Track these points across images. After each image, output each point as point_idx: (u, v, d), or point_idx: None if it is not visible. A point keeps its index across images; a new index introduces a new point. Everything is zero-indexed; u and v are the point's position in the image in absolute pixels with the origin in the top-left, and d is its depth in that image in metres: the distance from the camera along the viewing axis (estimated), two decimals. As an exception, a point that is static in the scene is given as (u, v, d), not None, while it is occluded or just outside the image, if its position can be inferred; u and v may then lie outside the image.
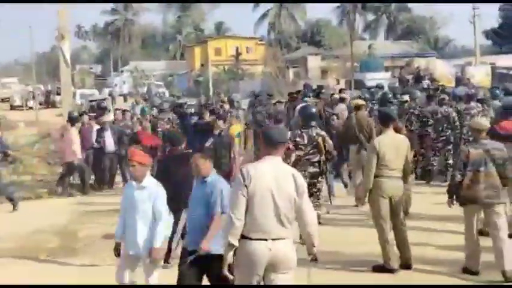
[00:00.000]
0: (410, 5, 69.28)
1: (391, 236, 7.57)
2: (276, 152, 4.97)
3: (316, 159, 8.90)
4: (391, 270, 7.42)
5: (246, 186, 4.80)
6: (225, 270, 4.87)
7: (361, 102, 12.22)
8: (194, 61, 65.68)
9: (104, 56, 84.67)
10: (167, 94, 46.11)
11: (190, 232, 6.06)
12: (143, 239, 6.15)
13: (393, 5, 68.58)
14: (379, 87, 18.04)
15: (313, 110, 9.55)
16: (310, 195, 7.59)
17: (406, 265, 7.53)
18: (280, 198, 4.81)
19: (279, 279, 4.85)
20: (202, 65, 61.62)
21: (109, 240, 7.81)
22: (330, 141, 9.10)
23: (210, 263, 5.68)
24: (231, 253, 4.83)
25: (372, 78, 24.70)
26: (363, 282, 7.23)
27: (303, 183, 4.94)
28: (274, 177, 4.85)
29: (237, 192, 4.84)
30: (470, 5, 36.15)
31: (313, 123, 9.11)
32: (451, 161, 12.57)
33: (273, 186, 4.81)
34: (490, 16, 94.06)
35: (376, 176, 7.47)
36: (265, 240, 4.79)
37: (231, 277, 4.91)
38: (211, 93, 42.99)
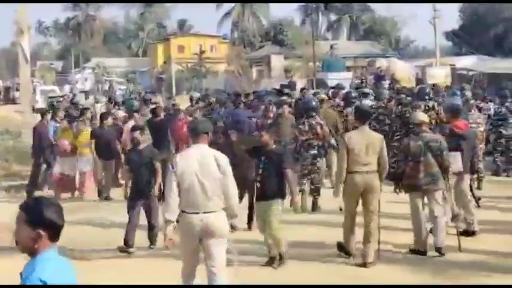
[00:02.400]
0: (372, 5, 69.96)
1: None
2: (200, 140, 6.00)
3: (316, 143, 10.74)
4: (348, 253, 8.00)
5: (175, 172, 5.86)
6: (166, 241, 6.02)
7: (324, 96, 13.55)
8: (157, 58, 65.19)
9: (65, 52, 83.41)
10: (129, 91, 45.66)
11: None
12: None
13: (355, 5, 69.07)
14: (340, 88, 18.16)
15: (313, 103, 11.38)
16: (312, 172, 10.71)
17: (363, 263, 7.78)
18: (204, 177, 5.82)
19: (213, 244, 5.86)
20: (165, 62, 61.19)
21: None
22: (326, 129, 10.88)
23: None
24: (170, 227, 5.92)
25: (334, 78, 24.80)
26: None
27: (225, 163, 5.92)
28: (198, 160, 5.87)
29: (169, 178, 5.93)
30: (431, 6, 36.51)
31: (313, 113, 10.87)
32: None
33: (197, 169, 5.84)
34: (451, 17, 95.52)
35: (349, 172, 7.78)
36: (197, 213, 5.82)
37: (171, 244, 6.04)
38: (174, 91, 42.80)
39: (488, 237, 8.93)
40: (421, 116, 8.67)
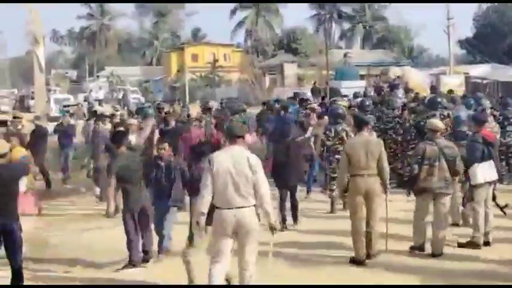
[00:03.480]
0: (385, 14, 69.92)
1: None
2: (235, 142, 6.52)
3: (341, 148, 10.56)
4: (361, 262, 8.20)
5: (211, 170, 6.34)
6: (197, 231, 6.58)
7: (345, 104, 14.00)
8: (170, 67, 65.42)
9: (80, 60, 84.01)
10: (143, 100, 45.84)
11: None
12: None
13: (368, 14, 69.08)
14: (358, 96, 18.26)
15: (340, 110, 11.81)
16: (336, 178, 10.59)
17: (367, 255, 8.30)
18: (237, 176, 6.29)
19: (244, 238, 6.31)
20: (178, 71, 61.38)
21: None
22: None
23: None
24: (203, 218, 6.35)
25: (348, 87, 24.77)
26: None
27: (256, 163, 6.36)
28: (231, 160, 6.34)
29: (205, 175, 6.41)
30: (445, 14, 36.43)
31: (340, 120, 11.47)
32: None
33: (231, 168, 6.30)
34: (464, 26, 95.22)
35: (351, 176, 8.28)
36: (231, 209, 6.28)
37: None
38: (187, 99, 42.88)
39: (502, 246, 8.87)
40: (437, 122, 9.02)
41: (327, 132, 11.49)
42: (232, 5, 69.84)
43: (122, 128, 11.72)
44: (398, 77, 26.84)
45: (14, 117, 14.96)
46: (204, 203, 6.37)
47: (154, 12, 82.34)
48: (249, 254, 6.36)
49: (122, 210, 8.55)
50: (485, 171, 8.85)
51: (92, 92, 54.77)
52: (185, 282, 7.21)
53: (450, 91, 19.51)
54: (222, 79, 54.88)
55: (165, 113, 16.44)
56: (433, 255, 8.48)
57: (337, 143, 11.32)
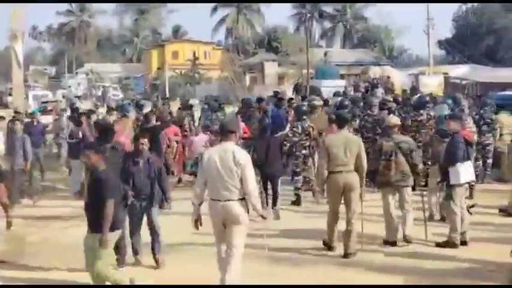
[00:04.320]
0: (366, 14, 70.24)
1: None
2: (226, 137, 6.88)
3: (307, 143, 12.05)
4: (330, 248, 8.71)
5: (202, 165, 6.82)
6: (193, 221, 6.89)
7: (318, 103, 14.14)
8: (151, 64, 65.24)
9: (59, 57, 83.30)
10: (120, 97, 45.60)
11: None
12: None
13: (349, 13, 69.34)
14: (339, 95, 18.32)
15: (304, 108, 12.73)
16: (304, 170, 12.17)
17: (345, 254, 8.49)
18: (223, 170, 6.66)
19: (231, 229, 6.71)
20: (159, 68, 61.21)
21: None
22: (316, 131, 12.04)
23: None
24: (196, 208, 6.89)
25: (328, 86, 24.83)
26: None
27: (241, 157, 6.69)
28: (220, 156, 6.71)
29: (199, 171, 6.99)
30: (425, 15, 36.72)
31: (304, 117, 12.19)
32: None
33: (218, 162, 6.68)
34: (444, 27, 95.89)
35: (330, 172, 8.49)
36: (219, 201, 6.69)
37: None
38: (167, 96, 42.72)
39: (478, 245, 8.94)
40: (395, 119, 9.61)
41: (294, 129, 12.09)
42: (213, 3, 69.79)
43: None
44: (388, 77, 27.03)
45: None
46: (196, 196, 6.87)
47: (134, 10, 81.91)
48: (233, 238, 6.72)
49: None
50: (466, 172, 8.95)
51: (71, 88, 54.43)
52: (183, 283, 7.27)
53: (430, 94, 19.56)
54: (202, 77, 54.83)
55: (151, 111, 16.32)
56: (404, 239, 8.98)
57: (304, 138, 12.00)
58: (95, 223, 6.87)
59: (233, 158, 6.65)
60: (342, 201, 8.62)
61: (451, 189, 8.95)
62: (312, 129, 12.04)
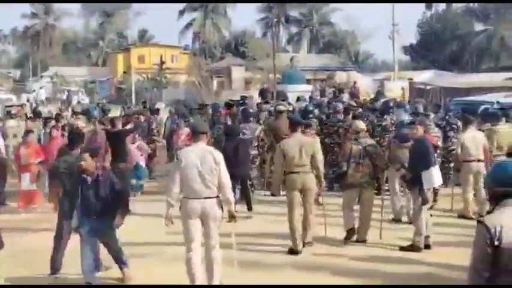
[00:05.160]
0: (332, 19, 70.72)
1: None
2: (199, 138, 7.18)
3: (255, 144, 13.02)
4: (296, 252, 8.85)
5: (179, 165, 6.98)
6: (166, 220, 7.05)
7: (283, 108, 14.16)
8: (117, 68, 64.72)
9: (24, 60, 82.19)
10: (87, 101, 45.20)
11: None
12: None
13: (316, 18, 69.71)
14: (302, 100, 18.36)
15: (251, 110, 14.01)
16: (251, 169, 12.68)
17: (304, 242, 9.05)
18: (203, 169, 6.93)
19: (210, 224, 7.02)
20: (125, 72, 60.75)
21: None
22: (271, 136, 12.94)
23: None
24: (170, 208, 7.05)
25: (294, 90, 24.89)
26: None
27: (219, 155, 7.05)
28: (198, 156, 6.99)
29: (174, 170, 7.14)
30: (390, 20, 36.99)
31: (251, 119, 13.39)
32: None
33: (197, 162, 6.95)
34: (409, 32, 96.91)
35: (287, 172, 8.98)
36: (198, 199, 6.95)
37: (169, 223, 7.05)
38: (133, 101, 42.45)
39: (441, 249, 9.05)
40: (361, 124, 9.92)
41: (244, 131, 12.85)
42: (180, 6, 69.56)
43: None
44: (355, 82, 27.26)
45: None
46: (172, 195, 7.06)
47: (100, 12, 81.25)
48: (212, 233, 7.05)
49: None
50: (437, 176, 9.07)
51: (35, 92, 53.73)
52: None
53: (395, 99, 19.73)
54: (169, 81, 54.54)
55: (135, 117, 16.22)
56: (357, 241, 9.41)
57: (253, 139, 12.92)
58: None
59: (213, 157, 7.00)
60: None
61: (421, 193, 8.93)
62: (265, 133, 13.05)
